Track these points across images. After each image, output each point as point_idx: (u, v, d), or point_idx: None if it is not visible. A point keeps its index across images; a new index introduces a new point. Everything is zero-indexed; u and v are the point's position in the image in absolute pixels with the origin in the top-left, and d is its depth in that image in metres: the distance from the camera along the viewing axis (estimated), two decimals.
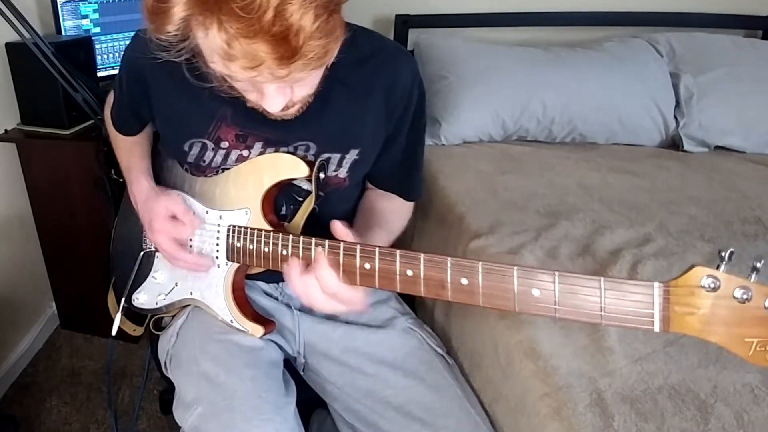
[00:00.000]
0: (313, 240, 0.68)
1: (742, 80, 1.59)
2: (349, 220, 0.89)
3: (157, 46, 0.58)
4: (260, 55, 0.51)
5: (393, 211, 0.88)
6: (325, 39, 0.53)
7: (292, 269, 0.67)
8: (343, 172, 0.79)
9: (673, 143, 1.63)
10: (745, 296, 0.46)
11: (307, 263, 0.68)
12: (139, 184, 0.86)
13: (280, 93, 0.61)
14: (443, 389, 0.79)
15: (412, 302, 1.07)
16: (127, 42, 0.84)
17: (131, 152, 0.93)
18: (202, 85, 0.63)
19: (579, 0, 1.84)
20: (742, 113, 1.56)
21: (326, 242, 0.67)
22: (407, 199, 0.91)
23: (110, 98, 0.99)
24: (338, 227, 0.66)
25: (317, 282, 0.65)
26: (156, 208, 0.81)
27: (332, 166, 0.79)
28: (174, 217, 0.80)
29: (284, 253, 0.71)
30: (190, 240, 0.84)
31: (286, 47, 0.51)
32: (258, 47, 0.50)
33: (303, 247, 0.69)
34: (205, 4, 0.50)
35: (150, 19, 0.54)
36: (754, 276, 0.47)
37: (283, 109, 0.64)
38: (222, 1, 0.49)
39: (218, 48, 0.52)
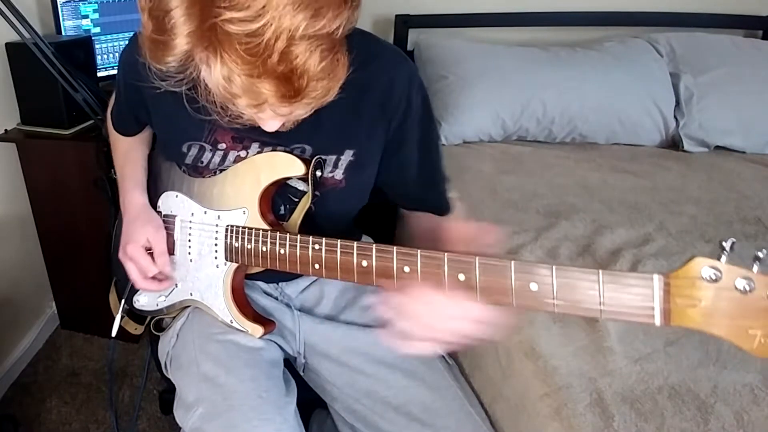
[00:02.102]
0: (311, 238, 0.68)
1: (742, 80, 1.60)
2: (345, 222, 0.89)
3: (156, 76, 0.57)
4: (263, 93, 0.50)
5: (451, 222, 0.83)
6: (327, 80, 0.53)
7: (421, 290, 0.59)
8: (339, 174, 0.79)
9: (673, 143, 1.64)
10: (747, 287, 0.45)
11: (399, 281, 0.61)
12: (133, 198, 0.87)
13: (277, 119, 0.61)
14: (443, 389, 0.79)
15: None
16: (128, 42, 0.84)
17: (127, 158, 0.93)
18: (202, 117, 0.62)
19: (579, 0, 1.84)
20: (742, 113, 1.56)
21: (323, 240, 0.67)
22: (441, 214, 0.84)
23: (113, 97, 0.99)
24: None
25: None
26: (138, 235, 0.83)
27: (328, 168, 0.79)
28: (150, 249, 0.83)
29: (282, 252, 0.71)
30: (189, 241, 0.84)
31: (289, 87, 0.50)
32: (261, 86, 0.50)
33: (300, 246, 0.69)
34: (208, 40, 0.49)
35: (149, 48, 0.53)
36: (756, 266, 0.45)
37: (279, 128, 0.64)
38: (226, 41, 0.48)
39: (220, 85, 0.51)
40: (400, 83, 0.76)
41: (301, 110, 0.54)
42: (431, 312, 0.58)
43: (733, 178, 1.40)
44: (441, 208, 0.85)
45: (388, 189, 0.85)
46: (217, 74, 0.50)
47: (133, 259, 0.82)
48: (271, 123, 0.62)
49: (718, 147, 1.60)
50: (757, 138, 1.57)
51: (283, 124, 0.65)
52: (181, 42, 0.50)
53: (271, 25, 0.47)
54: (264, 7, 0.47)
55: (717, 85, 1.59)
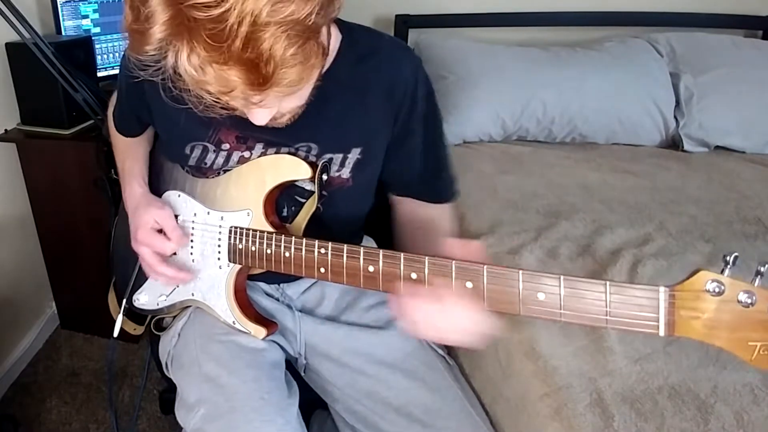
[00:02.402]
0: (316, 242, 0.68)
1: (742, 80, 1.60)
2: (353, 220, 0.89)
3: (135, 66, 0.57)
4: (232, 81, 0.50)
5: (440, 216, 0.84)
6: (299, 66, 0.52)
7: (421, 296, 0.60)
8: (346, 173, 0.79)
9: (673, 143, 1.64)
10: (749, 300, 0.47)
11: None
12: (131, 190, 0.87)
13: (257, 108, 0.60)
14: (444, 390, 0.79)
15: None
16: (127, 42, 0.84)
17: (127, 154, 0.93)
18: (177, 107, 0.61)
19: (579, 0, 1.84)
20: (742, 113, 1.56)
21: (329, 244, 0.67)
22: (438, 203, 0.86)
23: (114, 98, 0.98)
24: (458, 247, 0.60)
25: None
26: (145, 219, 0.82)
27: (335, 166, 0.78)
28: (161, 231, 0.81)
29: (287, 255, 0.71)
30: (191, 241, 0.84)
31: (257, 74, 0.50)
32: (229, 73, 0.50)
33: (306, 249, 0.69)
34: (177, 28, 0.49)
35: (130, 38, 0.54)
36: (758, 280, 0.47)
37: (271, 120, 0.63)
38: (192, 28, 0.48)
39: (190, 73, 0.51)
40: (404, 76, 0.76)
41: (273, 98, 0.54)
42: (445, 318, 0.59)
43: (733, 178, 1.41)
44: (442, 196, 0.86)
45: (390, 179, 0.85)
46: (185, 61, 0.50)
47: (147, 243, 0.81)
48: (258, 115, 0.61)
49: (718, 147, 1.60)
50: (757, 138, 1.57)
51: (275, 118, 0.64)
52: (156, 31, 0.50)
53: (234, 9, 0.47)
54: None
55: (717, 85, 1.59)
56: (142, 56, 0.54)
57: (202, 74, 0.50)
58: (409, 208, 0.86)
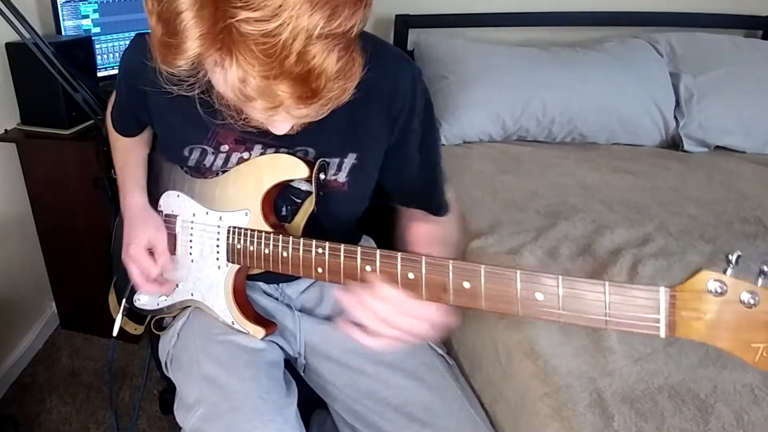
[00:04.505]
0: (314, 242, 0.68)
1: (742, 80, 1.60)
2: (349, 224, 0.89)
3: (167, 80, 0.56)
4: (279, 96, 0.49)
5: (442, 222, 0.85)
6: (344, 80, 0.52)
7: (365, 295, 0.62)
8: (342, 177, 0.79)
9: (673, 143, 1.64)
10: (752, 301, 0.45)
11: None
12: (133, 199, 0.87)
13: (289, 121, 0.60)
14: (443, 389, 0.79)
15: None
16: (128, 42, 0.84)
17: (126, 159, 0.93)
18: (214, 122, 0.61)
19: (579, 0, 1.84)
20: (742, 113, 1.56)
21: (326, 244, 0.67)
22: (437, 215, 0.85)
23: (113, 98, 0.98)
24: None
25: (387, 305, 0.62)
26: (139, 236, 0.83)
27: (331, 170, 0.78)
28: (151, 250, 0.83)
29: (284, 254, 0.71)
30: (191, 241, 0.84)
31: (306, 89, 0.49)
32: (277, 88, 0.49)
33: (303, 249, 0.69)
34: (222, 42, 0.48)
35: (160, 52, 0.52)
36: (761, 280, 0.46)
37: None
38: (241, 42, 0.47)
39: (235, 87, 0.50)
40: (403, 86, 0.76)
41: (316, 112, 0.53)
42: (387, 308, 0.62)
43: (733, 178, 1.41)
44: (437, 208, 0.85)
45: (388, 187, 0.85)
46: (233, 76, 0.49)
47: (136, 260, 0.83)
48: (282, 126, 0.61)
49: (718, 147, 1.60)
50: (757, 138, 1.57)
51: (292, 127, 0.64)
52: (192, 45, 0.49)
53: (288, 24, 0.46)
54: (280, 6, 0.46)
55: (717, 85, 1.59)
56: (174, 70, 0.53)
57: (248, 89, 0.49)
58: (414, 222, 0.85)
